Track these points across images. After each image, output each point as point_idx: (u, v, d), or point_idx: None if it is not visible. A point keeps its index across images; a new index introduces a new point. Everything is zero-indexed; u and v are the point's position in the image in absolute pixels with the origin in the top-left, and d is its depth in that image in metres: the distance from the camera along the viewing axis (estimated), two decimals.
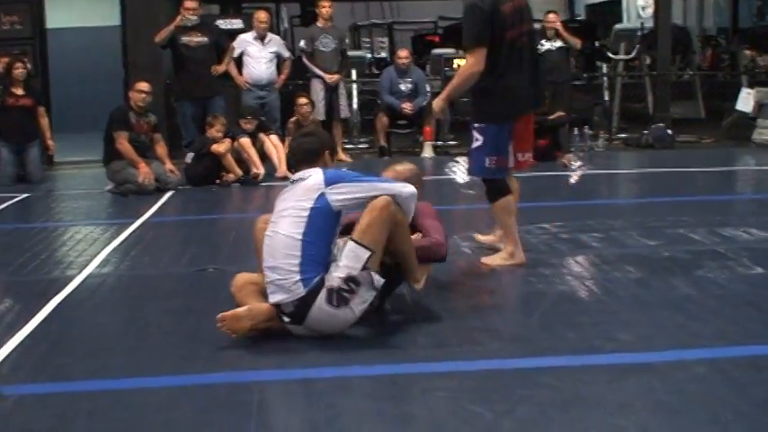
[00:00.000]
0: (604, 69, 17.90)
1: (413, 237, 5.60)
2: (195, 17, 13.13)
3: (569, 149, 13.39)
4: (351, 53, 15.79)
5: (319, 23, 14.43)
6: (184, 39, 13.10)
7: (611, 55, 17.13)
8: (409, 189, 5.40)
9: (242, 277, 5.63)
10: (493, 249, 7.25)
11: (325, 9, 14.29)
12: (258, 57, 13.81)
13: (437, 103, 7.13)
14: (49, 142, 13.12)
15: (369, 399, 4.36)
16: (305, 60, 14.41)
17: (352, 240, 5.19)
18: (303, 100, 13.27)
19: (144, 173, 11.16)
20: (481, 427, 3.97)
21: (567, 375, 4.55)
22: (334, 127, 14.25)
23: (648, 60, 17.51)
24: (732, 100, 16.27)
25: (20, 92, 12.64)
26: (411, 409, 4.22)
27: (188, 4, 13.05)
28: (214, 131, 11.89)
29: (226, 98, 13.49)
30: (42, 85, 14.79)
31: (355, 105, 15.65)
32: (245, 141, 12.02)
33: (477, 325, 5.49)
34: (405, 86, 14.69)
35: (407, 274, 5.58)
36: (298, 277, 5.10)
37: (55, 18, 17.02)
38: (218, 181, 11.79)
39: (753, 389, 4.30)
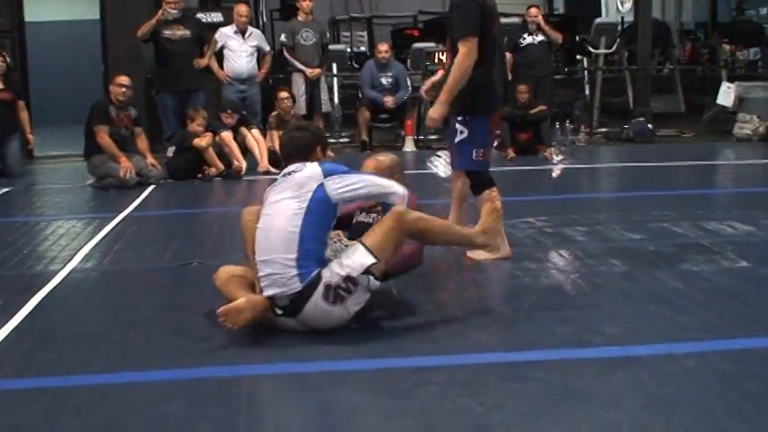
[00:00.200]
0: (585, 64, 17.93)
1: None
2: (177, 11, 13.10)
3: (551, 143, 13.41)
4: (332, 47, 15.76)
5: (300, 17, 14.41)
6: (167, 32, 13.07)
7: (591, 49, 17.15)
8: (402, 190, 5.42)
9: (225, 271, 5.59)
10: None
11: (306, 3, 14.27)
12: (239, 51, 13.78)
13: (437, 111, 6.78)
14: (29, 136, 13.03)
15: (359, 393, 4.34)
16: (286, 54, 14.40)
17: (362, 244, 5.16)
18: (284, 94, 13.23)
19: (125, 167, 11.11)
20: (472, 420, 3.95)
21: (556, 369, 4.54)
22: (316, 121, 14.22)
23: (627, 54, 17.56)
24: (711, 94, 16.35)
25: None
26: (402, 403, 4.21)
27: None
28: (195, 125, 11.85)
29: (207, 92, 13.47)
30: (21, 78, 14.69)
31: (336, 100, 15.63)
32: (227, 135, 12.00)
33: (466, 319, 5.49)
34: (386, 81, 14.69)
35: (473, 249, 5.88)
36: (295, 272, 5.05)
37: (34, 11, 16.92)
38: (199, 175, 11.77)
39: (743, 382, 4.30)
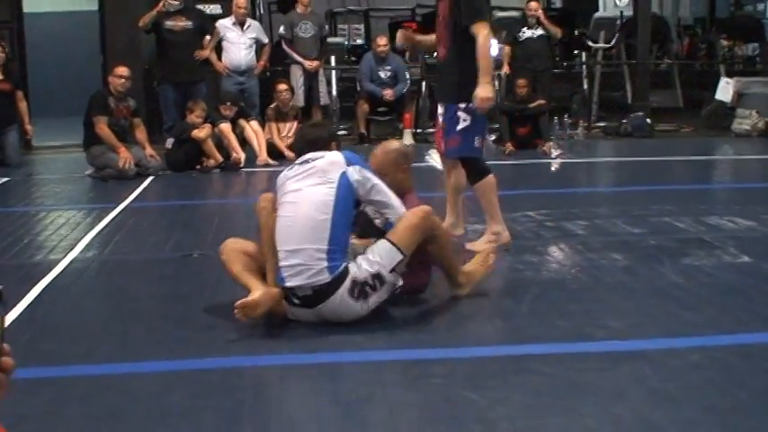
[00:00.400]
0: (583, 58, 17.91)
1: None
2: (178, 2, 13.07)
3: (549, 138, 13.39)
4: (330, 40, 15.74)
5: (299, 9, 14.38)
6: (168, 23, 13.04)
7: (590, 43, 17.13)
8: (402, 211, 5.28)
9: (232, 245, 5.46)
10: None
11: None
12: (237, 42, 13.74)
13: (487, 91, 6.72)
14: (28, 127, 13.00)
15: (363, 385, 4.34)
16: (284, 47, 14.36)
17: (388, 240, 5.12)
18: (283, 86, 13.22)
19: (124, 157, 11.08)
20: (475, 413, 3.94)
21: (559, 363, 4.54)
22: (314, 114, 14.25)
23: (625, 49, 17.55)
24: (710, 89, 16.33)
25: None
26: (405, 396, 4.22)
27: None
28: (194, 117, 11.83)
29: (207, 83, 13.45)
30: (20, 69, 14.67)
31: (334, 92, 15.61)
32: (226, 127, 11.97)
33: (468, 312, 5.48)
34: (384, 74, 14.65)
35: (450, 282, 5.63)
36: (324, 264, 4.97)
37: (32, 2, 16.91)
38: (198, 166, 11.74)
39: (748, 377, 4.31)
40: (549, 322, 5.21)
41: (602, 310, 5.46)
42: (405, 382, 4.41)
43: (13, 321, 5.37)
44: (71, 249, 7.27)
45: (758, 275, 6.23)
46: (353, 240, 5.31)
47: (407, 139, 14.54)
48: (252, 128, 12.43)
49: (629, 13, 16.87)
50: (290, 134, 13.00)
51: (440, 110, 7.18)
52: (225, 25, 13.75)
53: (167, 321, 5.37)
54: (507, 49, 14.59)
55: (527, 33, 14.65)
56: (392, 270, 5.08)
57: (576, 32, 18.79)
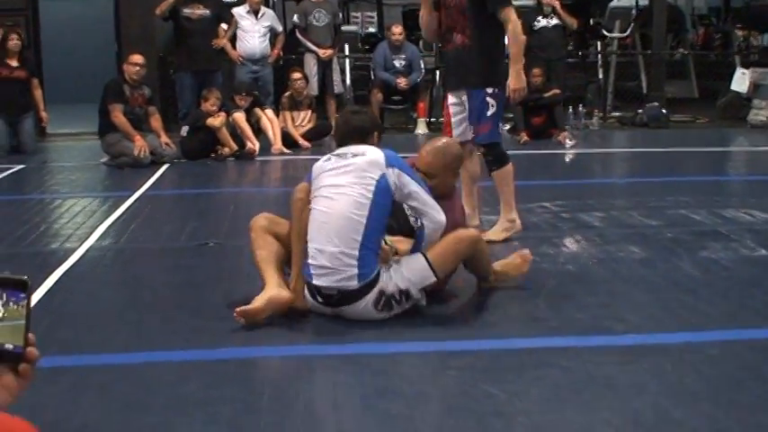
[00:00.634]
0: (598, 47, 17.84)
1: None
2: None
3: (564, 127, 13.35)
4: (344, 28, 15.71)
5: None
6: (186, 11, 13.04)
7: (605, 33, 17.07)
8: (442, 219, 5.13)
9: (263, 221, 5.32)
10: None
11: None
12: (252, 31, 13.74)
13: (519, 81, 6.82)
14: (43, 114, 13.05)
15: (380, 376, 4.31)
16: (298, 35, 14.34)
17: (425, 258, 5.03)
18: (297, 75, 13.21)
19: (139, 145, 11.09)
20: (494, 407, 3.90)
21: (578, 356, 4.51)
22: (328, 102, 14.23)
23: (640, 38, 17.49)
24: (725, 80, 16.27)
25: (14, 63, 12.56)
26: (423, 388, 4.20)
27: None
28: (209, 105, 11.81)
29: (222, 73, 13.45)
30: (35, 56, 14.67)
31: (348, 81, 15.58)
32: (239, 116, 11.95)
33: (485, 304, 5.46)
34: (399, 63, 14.62)
35: (480, 280, 5.66)
36: (355, 271, 4.87)
37: None
38: (213, 155, 11.74)
39: (767, 372, 4.28)
40: (568, 315, 5.18)
41: (620, 303, 5.44)
42: (423, 374, 4.39)
43: (31, 309, 5.36)
44: (87, 238, 7.26)
45: None
46: (386, 238, 5.23)
47: (421, 128, 14.53)
48: (267, 116, 12.43)
49: (644, 2, 16.79)
50: (304, 123, 13.01)
51: (450, 99, 7.08)
52: (239, 13, 13.74)
53: (183, 311, 5.36)
54: (522, 38, 14.54)
55: (542, 23, 14.62)
56: (421, 289, 5.05)
57: (592, 22, 18.71)
